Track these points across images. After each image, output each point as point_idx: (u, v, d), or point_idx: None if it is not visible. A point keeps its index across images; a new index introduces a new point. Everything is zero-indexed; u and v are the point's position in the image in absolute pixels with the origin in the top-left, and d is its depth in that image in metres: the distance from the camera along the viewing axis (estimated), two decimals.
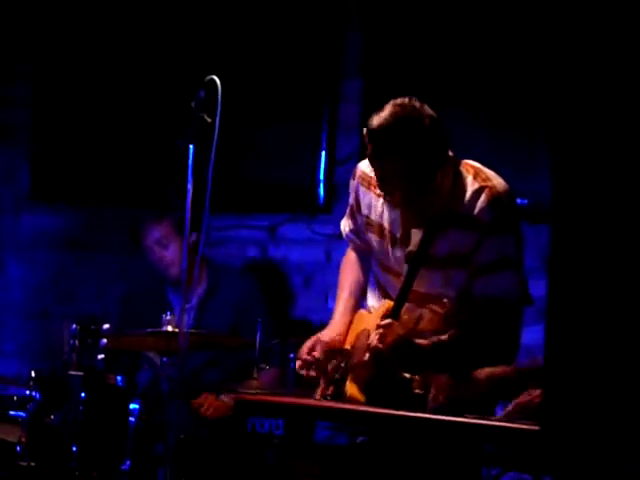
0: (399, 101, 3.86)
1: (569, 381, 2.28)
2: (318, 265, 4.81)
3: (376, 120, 3.81)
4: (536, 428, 2.77)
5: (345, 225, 4.34)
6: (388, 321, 3.82)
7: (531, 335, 4.69)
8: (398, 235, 4.05)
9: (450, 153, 3.95)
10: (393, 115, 3.81)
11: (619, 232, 2.19)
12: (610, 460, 2.66)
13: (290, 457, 4.62)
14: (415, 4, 6.21)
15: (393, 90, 5.98)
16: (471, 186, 3.82)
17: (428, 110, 3.85)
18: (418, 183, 3.84)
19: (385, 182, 3.90)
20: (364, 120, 6.07)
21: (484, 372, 3.61)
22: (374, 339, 3.80)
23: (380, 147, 3.81)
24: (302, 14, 6.46)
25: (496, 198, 3.81)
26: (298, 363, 4.11)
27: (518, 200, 5.40)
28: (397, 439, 3.61)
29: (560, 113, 2.28)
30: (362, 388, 3.91)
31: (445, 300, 3.84)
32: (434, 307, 3.89)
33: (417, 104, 3.84)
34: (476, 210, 3.78)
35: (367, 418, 3.65)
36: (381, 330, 3.79)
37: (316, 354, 4.02)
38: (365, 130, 3.86)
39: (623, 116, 2.19)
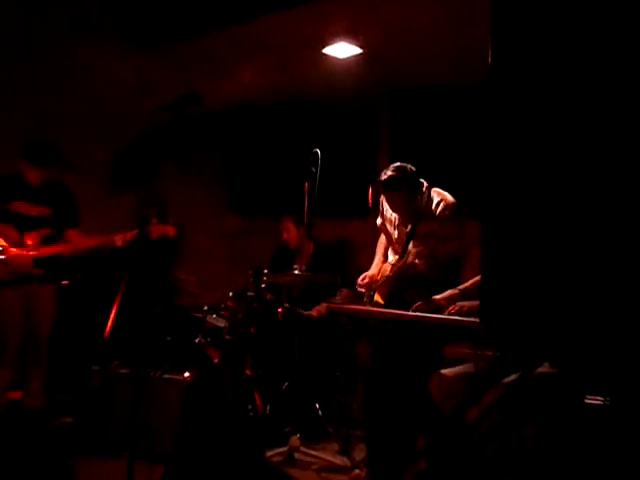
0: (395, 165, 4.04)
1: (501, 285, 1.94)
2: (369, 241, 4.91)
3: (383, 176, 3.97)
4: (477, 321, 2.77)
5: (378, 220, 4.43)
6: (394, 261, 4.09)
7: None
8: (397, 224, 4.19)
9: (425, 184, 4.09)
10: (392, 172, 3.97)
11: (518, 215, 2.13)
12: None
13: (355, 336, 4.81)
14: (418, 117, 6.18)
15: (402, 150, 6.12)
16: (435, 200, 3.99)
17: (410, 167, 3.99)
18: (406, 204, 4.03)
19: (390, 205, 4.13)
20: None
21: (440, 296, 3.65)
22: (388, 271, 4.09)
23: (386, 189, 4.02)
24: (355, 122, 6.56)
25: (448, 205, 3.96)
26: (358, 283, 4.22)
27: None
28: (404, 327, 3.63)
29: (487, 161, 2.14)
30: (383, 297, 4.07)
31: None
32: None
33: (403, 165, 4.01)
34: (438, 211, 3.95)
35: (389, 315, 3.70)
36: (390, 267, 4.09)
37: (367, 280, 4.17)
38: (377, 181, 4.05)
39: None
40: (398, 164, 4.06)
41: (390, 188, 4.03)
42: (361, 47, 5.17)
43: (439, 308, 3.58)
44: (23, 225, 4.68)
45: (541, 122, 1.96)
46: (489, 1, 2.17)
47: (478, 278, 3.50)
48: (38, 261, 4.66)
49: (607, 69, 1.91)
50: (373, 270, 4.33)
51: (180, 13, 5.02)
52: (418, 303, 3.56)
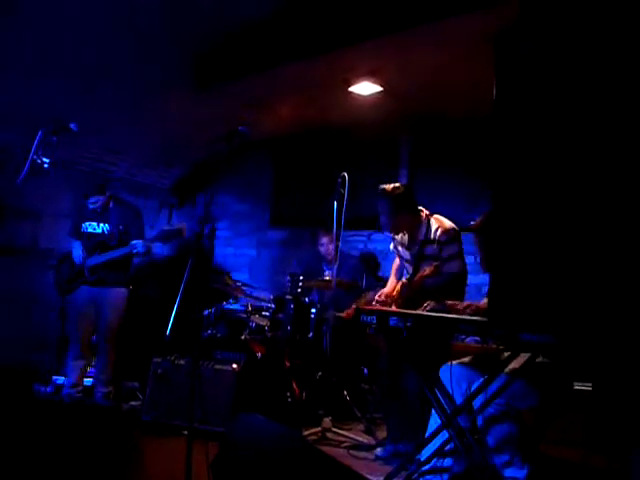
0: (390, 185, 4.08)
1: (506, 290, 2.08)
2: (389, 251, 4.95)
3: (386, 187, 4.06)
4: (485, 320, 2.68)
5: (391, 246, 4.42)
6: (405, 281, 4.07)
7: (478, 279, 4.80)
8: (407, 245, 4.19)
9: (425, 212, 4.11)
10: (384, 189, 4.04)
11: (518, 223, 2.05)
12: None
13: (377, 332, 4.80)
14: (433, 143, 6.20)
15: (419, 174, 6.10)
16: (434, 226, 4.00)
17: (401, 187, 4.05)
18: (392, 222, 4.08)
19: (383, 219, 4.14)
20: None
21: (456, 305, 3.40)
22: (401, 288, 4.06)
23: (379, 196, 4.07)
24: (378, 148, 6.53)
25: (445, 230, 3.96)
26: (375, 299, 4.11)
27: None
28: (420, 323, 3.67)
29: (494, 181, 2.14)
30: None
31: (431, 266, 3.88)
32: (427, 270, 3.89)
33: (395, 184, 4.07)
34: (437, 236, 3.95)
35: (407, 314, 3.51)
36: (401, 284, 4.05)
37: (383, 298, 4.06)
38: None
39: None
40: (390, 184, 4.11)
41: (381, 196, 4.08)
42: (382, 85, 5.24)
43: (448, 309, 3.49)
44: (91, 242, 4.91)
45: (538, 144, 2.09)
46: (488, 52, 2.27)
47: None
48: (94, 267, 4.84)
49: (587, 97, 2.01)
50: (388, 288, 4.29)
51: (230, 58, 5.13)
52: (431, 302, 3.52)
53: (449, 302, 3.44)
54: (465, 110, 5.47)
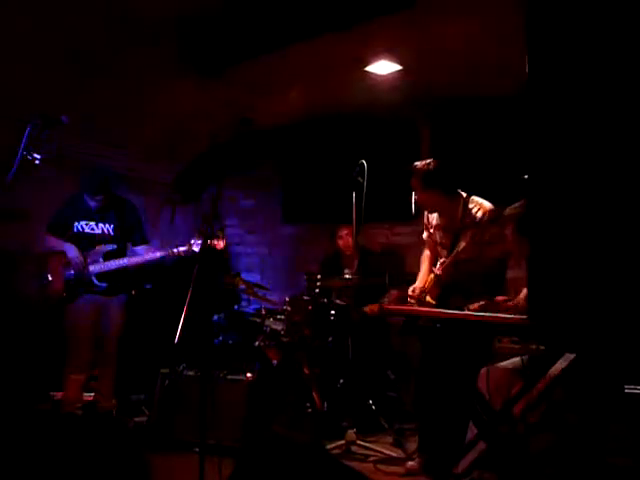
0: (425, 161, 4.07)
1: (547, 286, 1.98)
2: (414, 244, 4.88)
3: (417, 164, 4.04)
4: (526, 319, 2.59)
5: (424, 235, 4.35)
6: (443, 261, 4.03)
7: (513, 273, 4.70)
8: (443, 227, 4.13)
9: (463, 194, 4.06)
10: (414, 166, 4.04)
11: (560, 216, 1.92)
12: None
13: (405, 333, 4.75)
14: (455, 126, 6.13)
15: (442, 160, 6.05)
16: (473, 208, 3.95)
17: (432, 162, 4.01)
18: (421, 198, 4.07)
19: (423, 200, 4.12)
20: None
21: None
22: (437, 271, 4.04)
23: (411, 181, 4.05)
24: (396, 132, 6.50)
25: (485, 211, 3.90)
26: (409, 295, 4.11)
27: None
28: (452, 325, 3.53)
29: (531, 166, 1.97)
30: (433, 298, 3.98)
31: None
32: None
33: (427, 160, 4.06)
34: (477, 218, 3.89)
35: (438, 314, 3.54)
36: (439, 266, 4.04)
37: (417, 292, 4.06)
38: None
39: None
40: (428, 160, 4.10)
41: (411, 173, 4.07)
42: (401, 64, 5.15)
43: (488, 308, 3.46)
44: (88, 243, 4.74)
45: (581, 121, 1.97)
46: (518, 21, 2.19)
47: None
48: (102, 275, 4.70)
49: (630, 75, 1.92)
50: (420, 282, 4.23)
51: (234, 39, 5.05)
52: (481, 302, 3.48)
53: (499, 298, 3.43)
54: (494, 88, 5.34)
